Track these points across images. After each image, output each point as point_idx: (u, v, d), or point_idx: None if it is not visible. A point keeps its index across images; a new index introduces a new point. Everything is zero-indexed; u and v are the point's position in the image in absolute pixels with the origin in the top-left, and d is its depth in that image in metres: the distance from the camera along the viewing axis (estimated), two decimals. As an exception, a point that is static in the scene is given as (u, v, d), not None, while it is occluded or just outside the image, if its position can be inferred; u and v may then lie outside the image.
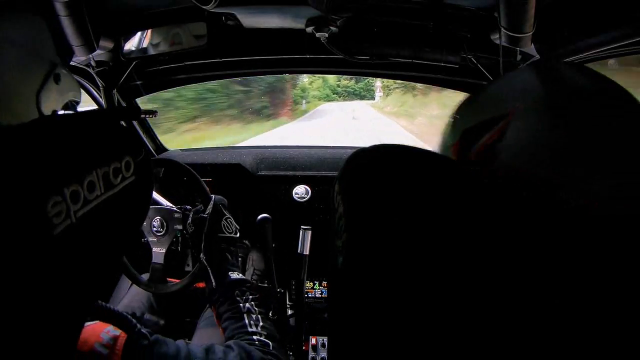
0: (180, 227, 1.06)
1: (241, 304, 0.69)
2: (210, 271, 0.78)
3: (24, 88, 0.34)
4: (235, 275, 0.77)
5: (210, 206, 0.87)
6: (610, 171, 0.28)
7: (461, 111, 0.40)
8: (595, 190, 0.28)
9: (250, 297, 0.71)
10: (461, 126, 0.38)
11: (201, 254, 0.81)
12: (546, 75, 0.35)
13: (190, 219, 0.92)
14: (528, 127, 0.32)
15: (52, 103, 0.37)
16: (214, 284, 0.76)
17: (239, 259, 1.44)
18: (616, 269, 0.24)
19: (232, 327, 0.66)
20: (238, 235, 0.91)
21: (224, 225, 0.88)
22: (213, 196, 0.91)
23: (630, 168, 0.28)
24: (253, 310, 0.69)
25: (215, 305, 0.73)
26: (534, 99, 0.33)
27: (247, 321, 0.66)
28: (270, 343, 0.64)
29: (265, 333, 0.66)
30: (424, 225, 0.26)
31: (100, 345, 0.48)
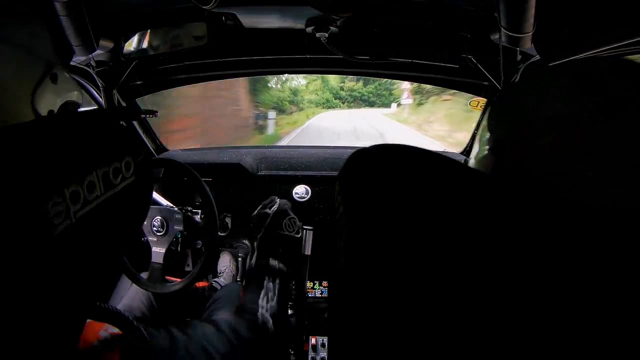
0: (180, 227, 1.06)
1: (265, 281, 0.74)
2: (256, 250, 0.81)
3: (21, 88, 0.34)
4: (273, 262, 0.80)
5: (275, 206, 0.90)
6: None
7: (502, 110, 0.39)
8: (610, 192, 0.27)
9: (278, 281, 0.76)
10: (504, 125, 0.36)
11: (259, 235, 0.83)
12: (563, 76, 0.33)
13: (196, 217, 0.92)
14: (579, 131, 0.30)
15: (49, 103, 0.37)
16: (254, 261, 0.79)
17: (239, 259, 1.44)
18: (628, 273, 0.24)
19: (249, 296, 0.71)
20: (299, 235, 0.92)
21: (285, 224, 0.88)
22: (277, 199, 0.93)
23: None
24: (272, 289, 0.73)
25: (245, 279, 0.77)
26: (581, 104, 0.31)
27: (262, 295, 0.71)
28: (269, 321, 0.68)
29: (271, 312, 0.70)
30: (424, 225, 0.26)
31: (99, 342, 0.48)
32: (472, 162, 0.39)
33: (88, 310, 0.43)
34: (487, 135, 0.38)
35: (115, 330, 0.51)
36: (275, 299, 0.73)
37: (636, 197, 0.27)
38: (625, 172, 0.28)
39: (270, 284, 0.75)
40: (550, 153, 0.31)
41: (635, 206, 0.27)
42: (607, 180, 0.28)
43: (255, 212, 0.89)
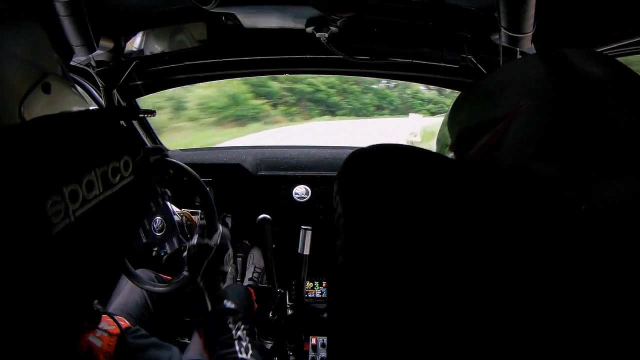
0: (180, 228, 1.06)
1: (233, 331, 0.72)
2: (206, 295, 0.80)
3: (10, 95, 0.33)
4: (229, 304, 0.79)
5: (217, 237, 0.90)
6: (627, 173, 0.27)
7: (457, 109, 0.39)
8: (609, 193, 0.27)
9: (242, 326, 0.73)
10: (458, 125, 0.37)
11: (199, 279, 0.82)
12: (557, 65, 0.33)
13: (195, 241, 0.93)
14: (537, 124, 0.30)
15: (38, 113, 0.36)
16: (209, 307, 0.78)
17: (239, 259, 1.44)
18: (620, 273, 0.23)
19: (223, 352, 0.68)
20: (231, 271, 0.94)
21: (225, 259, 0.90)
22: (220, 227, 0.93)
23: None
24: (244, 338, 0.71)
25: (203, 329, 0.74)
26: (545, 93, 0.31)
27: (237, 347, 0.69)
28: None
29: None
30: (423, 225, 0.26)
31: (95, 338, 0.48)
32: None
33: (88, 309, 0.43)
34: (444, 136, 0.39)
35: (112, 326, 0.51)
36: (250, 345, 0.71)
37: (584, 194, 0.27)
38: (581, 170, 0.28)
39: (240, 332, 0.72)
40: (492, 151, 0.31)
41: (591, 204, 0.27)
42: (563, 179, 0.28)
43: (194, 241, 0.88)
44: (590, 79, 0.31)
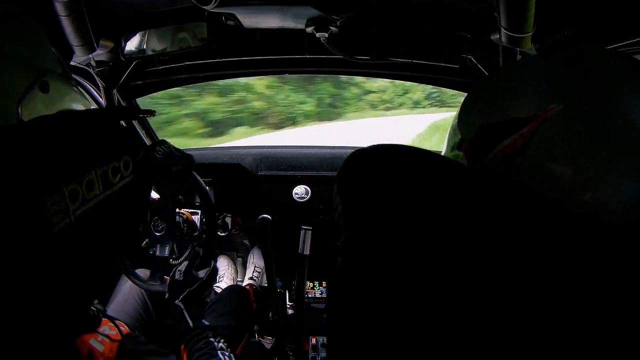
0: (179, 228, 1.06)
1: (215, 343, 0.72)
2: (186, 314, 0.81)
3: (8, 95, 0.33)
4: (207, 322, 0.80)
5: (206, 273, 0.91)
6: None
7: (469, 109, 0.38)
8: (627, 196, 0.27)
9: (222, 339, 0.74)
10: (471, 126, 0.36)
11: (177, 301, 0.83)
12: (589, 67, 0.32)
13: (183, 268, 0.93)
14: (566, 129, 0.29)
15: (36, 112, 0.36)
16: (190, 324, 0.79)
17: (238, 260, 1.44)
18: (633, 278, 0.23)
19: None
20: (231, 272, 0.94)
21: (206, 293, 0.91)
22: (212, 264, 0.95)
23: None
24: (226, 350, 0.72)
25: (185, 345, 0.75)
26: (577, 97, 0.30)
27: (221, 357, 0.69)
28: None
29: None
30: (422, 225, 0.26)
31: (96, 342, 0.48)
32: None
33: (87, 308, 0.43)
34: (455, 136, 0.38)
35: (114, 332, 0.51)
36: (232, 356, 0.71)
37: (607, 199, 0.27)
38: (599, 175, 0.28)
39: (220, 344, 0.73)
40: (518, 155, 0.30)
41: (607, 208, 0.27)
42: (579, 183, 0.28)
43: (182, 267, 0.89)
44: (618, 81, 0.30)
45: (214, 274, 0.93)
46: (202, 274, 0.91)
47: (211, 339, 0.72)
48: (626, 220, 0.26)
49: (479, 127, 0.35)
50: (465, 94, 0.41)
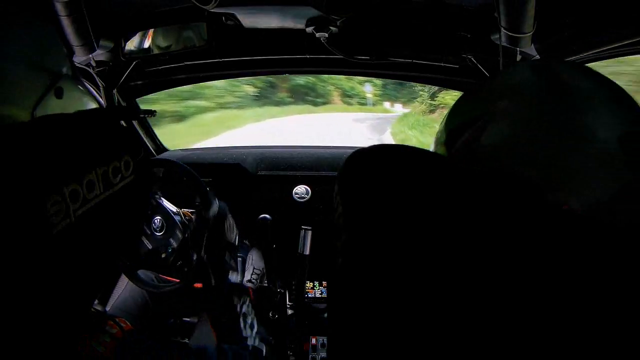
0: (179, 227, 1.06)
1: (238, 308, 0.70)
2: (210, 270, 0.78)
3: (23, 99, 0.33)
4: (233, 277, 0.77)
5: (214, 208, 0.89)
6: (603, 178, 0.29)
7: (453, 110, 0.41)
8: (587, 196, 0.29)
9: (247, 300, 0.72)
10: (450, 124, 0.39)
11: (202, 252, 0.81)
12: (536, 72, 0.35)
13: (193, 217, 0.92)
14: (510, 126, 0.32)
15: None
16: (213, 282, 0.76)
17: (239, 259, 1.44)
18: (604, 272, 0.24)
19: (228, 331, 0.67)
20: (237, 241, 0.93)
21: (226, 228, 0.89)
22: (216, 200, 0.92)
23: (622, 177, 0.28)
24: (249, 312, 0.70)
25: (210, 308, 0.73)
26: (520, 96, 0.33)
27: (242, 325, 0.67)
28: (263, 348, 0.65)
29: (259, 337, 0.66)
30: (423, 225, 0.26)
31: (97, 342, 0.48)
32: None
33: (88, 309, 0.43)
34: (442, 135, 0.40)
35: (114, 330, 0.51)
36: (255, 322, 0.69)
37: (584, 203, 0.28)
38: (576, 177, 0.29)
39: (243, 307, 0.71)
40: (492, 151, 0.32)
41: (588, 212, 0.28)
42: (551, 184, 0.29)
43: (193, 217, 0.86)
44: (570, 86, 0.32)
45: (222, 207, 0.91)
46: (211, 212, 0.89)
47: (234, 303, 0.70)
48: (587, 220, 0.27)
49: (455, 124, 0.38)
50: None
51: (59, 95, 0.35)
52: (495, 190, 0.29)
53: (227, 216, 0.93)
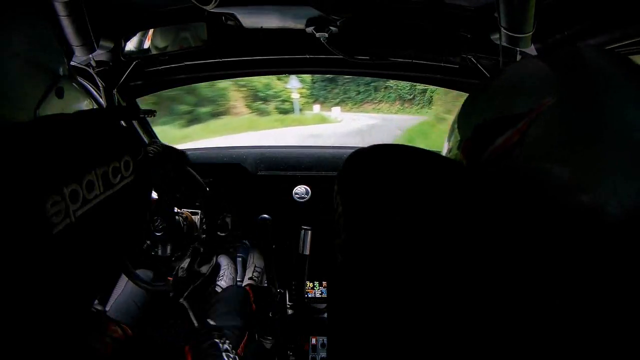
0: (180, 228, 1.06)
1: (220, 344, 0.72)
2: (191, 313, 0.81)
3: (24, 96, 0.33)
4: (212, 322, 0.80)
5: (209, 268, 0.91)
6: None
7: (468, 107, 0.38)
8: (627, 196, 0.26)
9: (227, 341, 0.74)
10: (469, 125, 0.36)
11: (182, 299, 0.83)
12: (585, 65, 0.31)
13: (185, 265, 0.93)
14: (559, 123, 0.29)
15: None
16: (195, 324, 0.78)
17: (238, 259, 1.44)
18: (630, 279, 0.23)
19: None
20: (231, 271, 0.94)
21: (217, 278, 0.89)
22: (214, 260, 0.95)
23: None
24: (230, 351, 0.72)
25: (191, 346, 0.75)
26: (570, 90, 0.29)
27: (225, 359, 0.70)
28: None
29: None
30: (422, 224, 0.26)
31: (98, 344, 0.48)
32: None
33: (88, 309, 0.43)
34: (455, 137, 0.37)
35: (110, 341, 0.51)
36: (237, 358, 0.71)
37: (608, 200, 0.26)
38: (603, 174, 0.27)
39: (225, 345, 0.72)
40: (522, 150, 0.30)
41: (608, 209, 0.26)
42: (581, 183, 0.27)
43: (184, 264, 0.88)
44: (612, 79, 0.29)
45: (216, 269, 0.93)
46: (204, 269, 0.91)
47: (216, 340, 0.72)
48: (624, 223, 0.26)
49: (476, 126, 0.35)
50: (466, 94, 0.41)
51: (60, 95, 0.36)
52: (496, 190, 0.29)
53: (220, 270, 0.95)
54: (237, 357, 0.69)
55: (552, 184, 0.28)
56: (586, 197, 0.27)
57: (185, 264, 0.89)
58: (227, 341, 0.73)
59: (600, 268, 0.24)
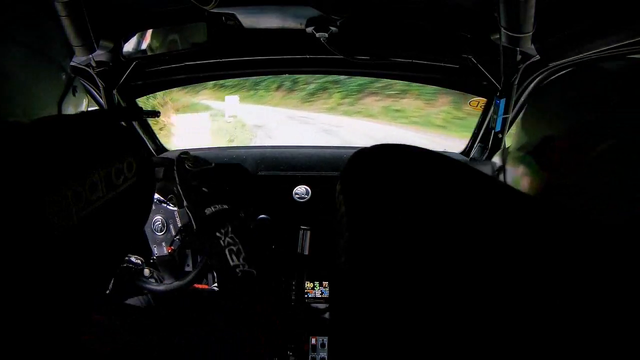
0: (180, 228, 1.06)
1: (222, 239, 0.68)
2: (190, 215, 0.76)
3: (35, 89, 0.33)
4: (209, 209, 0.74)
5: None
6: None
7: (540, 113, 0.38)
8: None
9: (230, 227, 0.70)
10: (540, 132, 0.35)
11: (184, 204, 0.79)
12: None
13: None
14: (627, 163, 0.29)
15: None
16: (194, 227, 0.74)
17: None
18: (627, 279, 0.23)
19: (216, 265, 0.66)
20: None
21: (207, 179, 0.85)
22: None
23: None
24: (233, 242, 0.67)
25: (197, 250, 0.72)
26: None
27: (228, 256, 0.66)
28: (254, 271, 0.65)
29: (247, 263, 0.65)
30: (426, 224, 0.26)
31: (100, 341, 0.48)
32: (508, 169, 0.38)
33: (89, 309, 0.43)
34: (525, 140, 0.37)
35: (111, 339, 0.51)
36: (241, 248, 0.67)
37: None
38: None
39: (227, 238, 0.68)
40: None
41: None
42: None
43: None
44: None
45: (208, 164, 0.88)
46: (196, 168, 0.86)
47: (217, 234, 0.67)
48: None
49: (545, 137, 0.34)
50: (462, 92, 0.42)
51: (75, 92, 0.37)
52: (504, 192, 0.29)
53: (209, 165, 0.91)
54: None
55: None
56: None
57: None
58: (229, 228, 0.68)
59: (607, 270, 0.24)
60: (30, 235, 0.28)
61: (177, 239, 1.06)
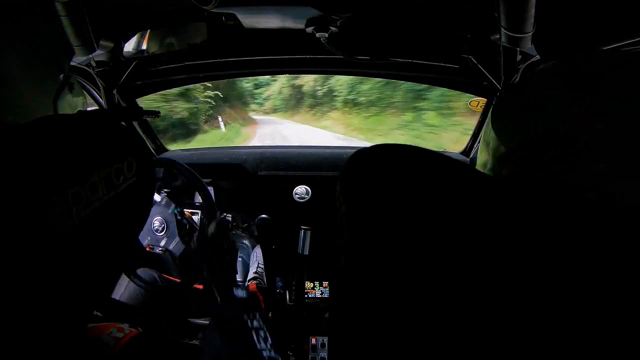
0: (180, 228, 1.06)
1: (249, 323, 0.70)
2: (215, 290, 0.78)
3: (35, 88, 0.33)
4: (240, 292, 0.76)
5: (213, 226, 0.88)
6: None
7: (512, 114, 0.37)
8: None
9: (257, 313, 0.72)
10: (516, 133, 0.35)
11: (205, 273, 0.80)
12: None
13: (194, 217, 0.92)
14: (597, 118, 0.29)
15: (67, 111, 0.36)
16: (219, 300, 0.76)
17: (239, 260, 1.44)
18: (630, 274, 0.23)
19: (239, 338, 0.67)
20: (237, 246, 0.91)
21: (226, 243, 0.88)
22: (218, 213, 0.92)
23: None
24: (261, 326, 0.69)
25: (218, 324, 0.73)
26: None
27: (255, 339, 0.67)
28: (279, 358, 0.66)
29: (274, 349, 0.67)
30: (426, 224, 0.26)
31: (108, 337, 0.49)
32: (481, 169, 0.38)
33: (90, 310, 0.43)
34: (498, 145, 0.36)
35: (129, 330, 0.51)
36: (268, 334, 0.70)
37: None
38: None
39: (255, 321, 0.70)
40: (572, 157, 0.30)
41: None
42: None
43: (194, 237, 0.85)
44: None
45: (222, 224, 0.90)
46: (210, 230, 0.88)
47: (245, 317, 0.70)
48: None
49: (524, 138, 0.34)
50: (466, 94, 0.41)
51: (71, 89, 0.37)
52: (503, 191, 0.29)
53: (228, 228, 0.93)
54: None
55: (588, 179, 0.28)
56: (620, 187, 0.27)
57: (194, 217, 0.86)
58: (257, 314, 0.70)
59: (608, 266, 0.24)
60: (32, 236, 0.28)
61: (178, 239, 1.06)
